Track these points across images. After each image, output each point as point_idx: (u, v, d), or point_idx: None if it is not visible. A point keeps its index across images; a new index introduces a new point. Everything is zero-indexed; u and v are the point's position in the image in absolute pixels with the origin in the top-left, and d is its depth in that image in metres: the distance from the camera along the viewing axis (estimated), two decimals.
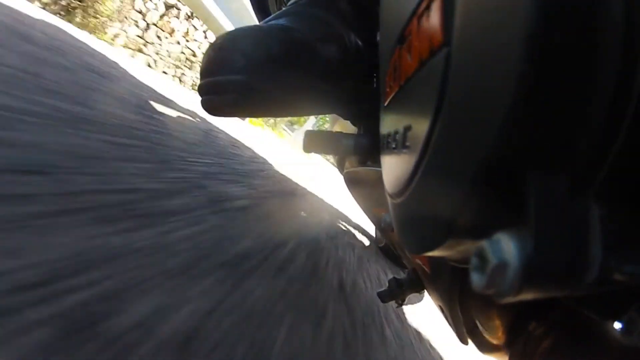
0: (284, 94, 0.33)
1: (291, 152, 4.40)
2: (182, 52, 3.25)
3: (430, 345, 0.77)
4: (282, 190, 1.28)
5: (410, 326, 0.79)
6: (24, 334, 0.23)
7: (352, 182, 0.62)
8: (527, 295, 0.11)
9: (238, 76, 0.31)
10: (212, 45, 0.33)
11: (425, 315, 0.94)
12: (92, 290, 0.29)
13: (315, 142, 0.40)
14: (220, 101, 0.32)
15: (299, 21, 0.36)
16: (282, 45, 0.32)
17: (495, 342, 0.31)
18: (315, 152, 0.41)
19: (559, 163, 0.11)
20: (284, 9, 0.40)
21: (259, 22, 0.73)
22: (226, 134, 1.73)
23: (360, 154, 0.40)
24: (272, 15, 0.39)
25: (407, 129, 0.19)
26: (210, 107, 0.33)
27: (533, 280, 0.11)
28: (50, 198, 0.36)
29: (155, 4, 2.85)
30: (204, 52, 0.34)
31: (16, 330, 0.23)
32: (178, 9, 3.03)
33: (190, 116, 1.50)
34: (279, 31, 0.33)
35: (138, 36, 2.79)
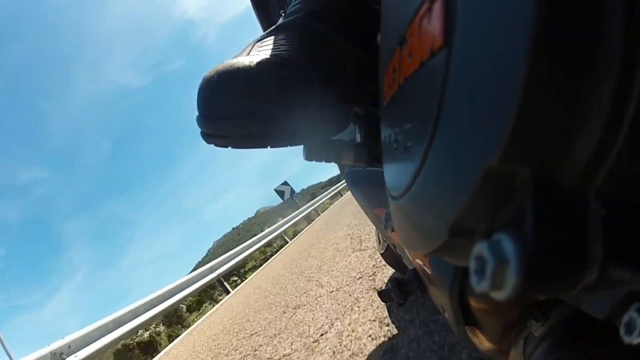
0: (282, 130, 0.34)
1: None
2: None
3: None
4: None
5: None
6: None
7: (354, 182, 0.62)
8: (527, 296, 0.11)
9: (236, 121, 0.32)
10: (208, 80, 0.33)
11: None
12: None
13: (315, 150, 0.40)
14: (222, 142, 0.34)
15: (296, 41, 0.37)
16: (278, 86, 0.33)
17: (495, 341, 0.31)
18: (316, 161, 0.41)
19: (559, 163, 0.11)
20: (282, 21, 0.40)
21: (259, 21, 0.73)
22: None
23: (360, 162, 0.40)
24: (270, 29, 0.39)
25: (408, 129, 0.19)
26: (211, 143, 0.35)
27: (533, 281, 0.11)
28: None
29: None
30: (200, 81, 0.34)
31: None
32: None
33: None
34: (275, 68, 0.33)
35: None
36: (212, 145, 0.35)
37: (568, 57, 0.10)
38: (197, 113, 0.35)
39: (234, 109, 0.32)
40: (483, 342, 0.32)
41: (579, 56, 0.10)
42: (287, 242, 6.67)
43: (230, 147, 0.35)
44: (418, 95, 0.17)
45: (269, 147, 0.35)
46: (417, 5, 0.16)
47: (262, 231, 7.12)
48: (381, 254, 1.31)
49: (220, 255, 5.42)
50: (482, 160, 0.12)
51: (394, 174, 0.22)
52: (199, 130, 0.35)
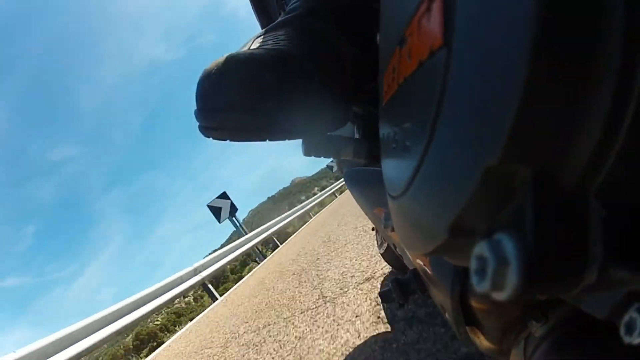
0: (280, 125, 0.34)
1: None
2: None
3: None
4: None
5: None
6: None
7: (353, 182, 0.62)
8: (527, 296, 0.11)
9: (233, 113, 0.32)
10: (208, 74, 0.33)
11: None
12: None
13: (314, 146, 0.40)
14: (219, 134, 0.34)
15: (295, 37, 0.37)
16: (277, 80, 0.33)
17: (496, 342, 0.31)
18: (315, 156, 0.41)
19: (560, 163, 0.11)
20: (282, 18, 0.40)
21: (258, 21, 0.73)
22: None
23: (359, 158, 0.40)
24: (270, 25, 0.39)
25: (407, 129, 0.19)
26: (209, 136, 0.35)
27: (533, 281, 0.11)
28: None
29: None
30: (200, 75, 0.34)
31: None
32: None
33: None
34: (274, 62, 0.33)
35: None
36: (210, 138, 0.35)
37: (568, 57, 0.10)
38: (195, 107, 0.35)
39: (233, 102, 0.32)
40: (483, 342, 0.32)
41: (579, 56, 0.10)
42: (337, 197, 11.28)
43: (228, 140, 0.35)
44: (417, 95, 0.17)
45: (267, 141, 0.35)
46: (416, 5, 0.16)
47: (298, 204, 10.26)
48: (381, 254, 1.31)
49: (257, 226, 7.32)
50: (482, 160, 0.12)
51: (393, 173, 0.22)
52: (197, 124, 0.35)
